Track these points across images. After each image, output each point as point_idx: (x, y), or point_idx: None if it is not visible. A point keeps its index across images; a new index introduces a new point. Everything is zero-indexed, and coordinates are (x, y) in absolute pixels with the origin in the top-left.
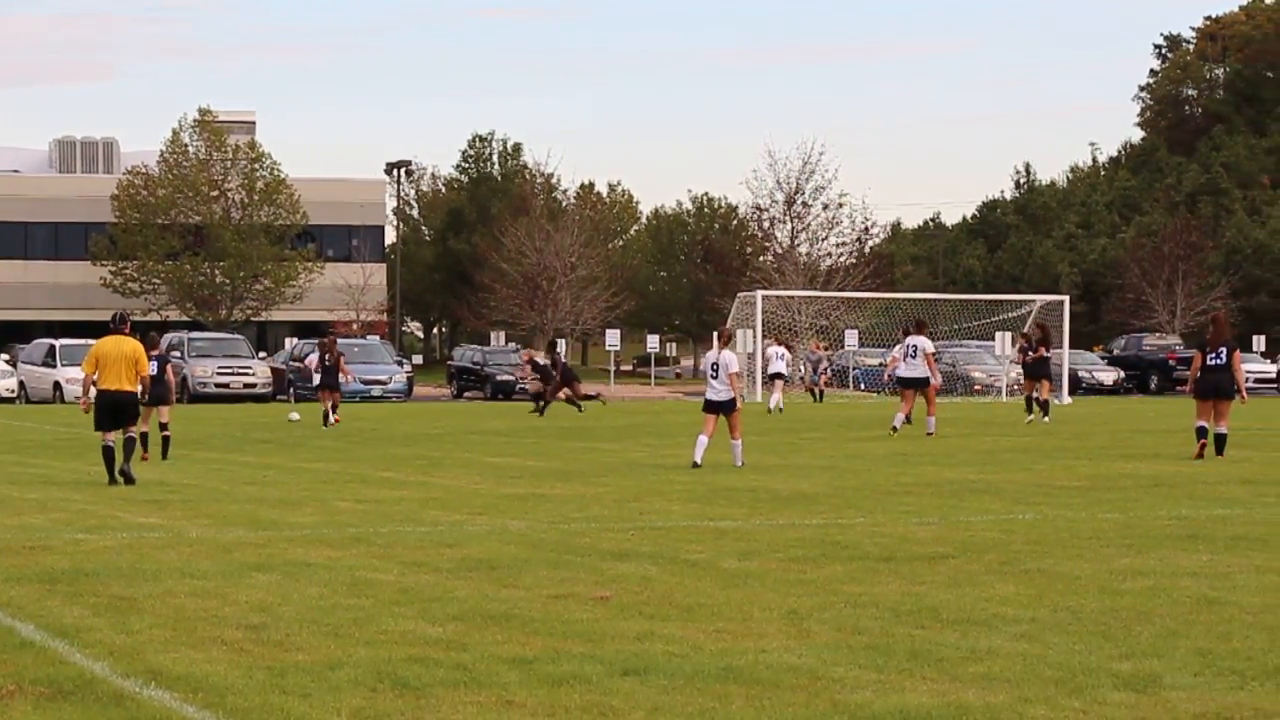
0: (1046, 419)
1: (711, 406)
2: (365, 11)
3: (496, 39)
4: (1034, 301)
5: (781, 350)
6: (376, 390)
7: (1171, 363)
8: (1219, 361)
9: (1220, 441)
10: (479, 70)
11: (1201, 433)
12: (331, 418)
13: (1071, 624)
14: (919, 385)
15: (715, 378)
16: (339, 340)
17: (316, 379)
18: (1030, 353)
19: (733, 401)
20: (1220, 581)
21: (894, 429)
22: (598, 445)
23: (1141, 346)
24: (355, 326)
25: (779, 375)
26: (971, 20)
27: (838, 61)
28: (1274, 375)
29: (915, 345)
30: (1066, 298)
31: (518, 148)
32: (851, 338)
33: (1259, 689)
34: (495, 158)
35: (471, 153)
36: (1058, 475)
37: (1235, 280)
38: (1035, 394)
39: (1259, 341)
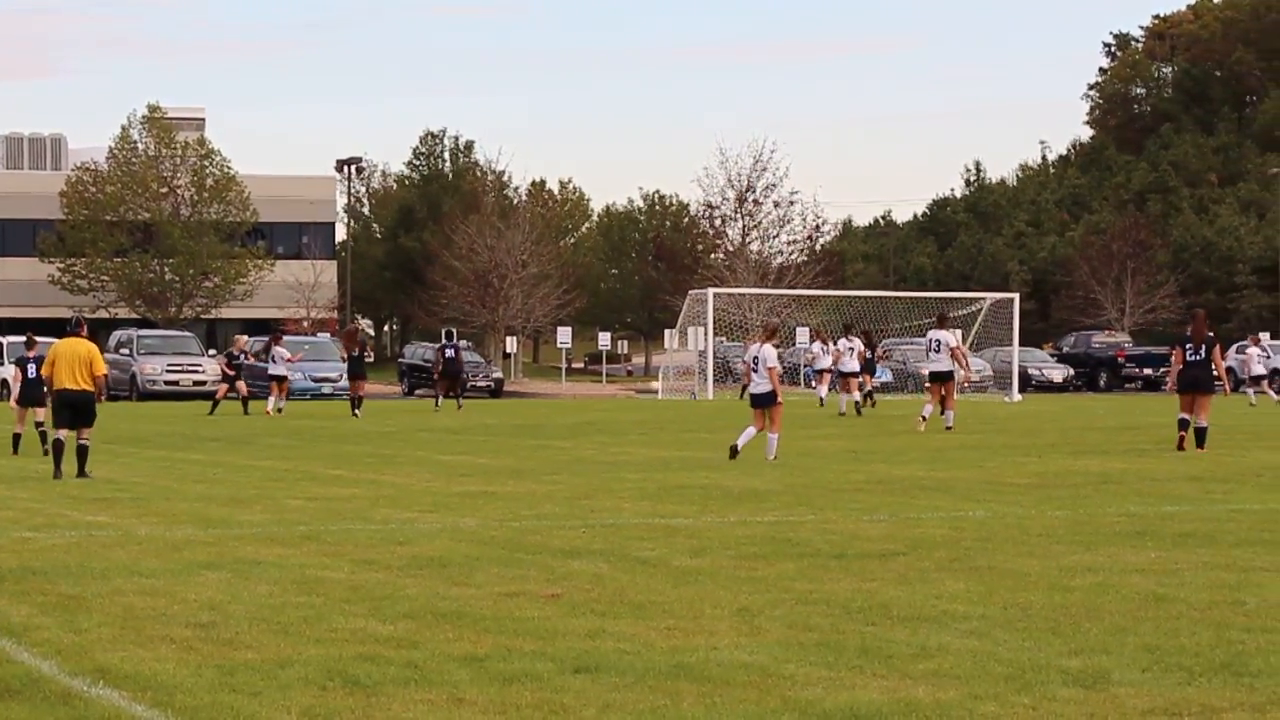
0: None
1: (757, 400)
2: (315, 8)
3: (448, 36)
4: (984, 299)
5: (823, 346)
6: (327, 388)
7: (1120, 360)
8: (1198, 357)
9: (1200, 435)
10: (431, 67)
11: (1183, 424)
12: (357, 411)
13: (1021, 621)
14: (946, 379)
15: (756, 372)
16: (358, 334)
17: (280, 367)
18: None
19: (773, 394)
20: (1168, 578)
21: (924, 419)
22: (549, 443)
23: (1091, 344)
24: (306, 324)
25: (825, 371)
26: (921, 18)
27: (789, 59)
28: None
29: (939, 339)
30: (1016, 295)
31: (469, 145)
32: (803, 335)
33: (1206, 685)
34: (446, 155)
35: (423, 150)
36: (1007, 472)
37: (1183, 278)
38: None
39: None
